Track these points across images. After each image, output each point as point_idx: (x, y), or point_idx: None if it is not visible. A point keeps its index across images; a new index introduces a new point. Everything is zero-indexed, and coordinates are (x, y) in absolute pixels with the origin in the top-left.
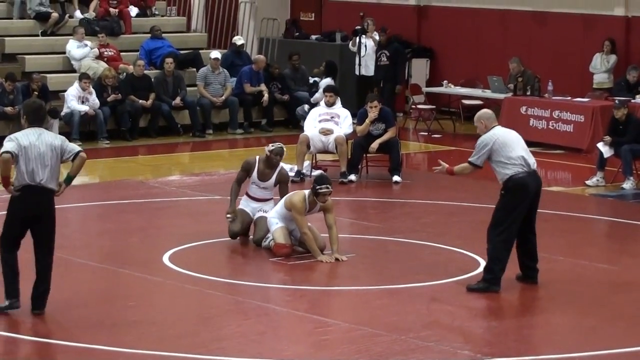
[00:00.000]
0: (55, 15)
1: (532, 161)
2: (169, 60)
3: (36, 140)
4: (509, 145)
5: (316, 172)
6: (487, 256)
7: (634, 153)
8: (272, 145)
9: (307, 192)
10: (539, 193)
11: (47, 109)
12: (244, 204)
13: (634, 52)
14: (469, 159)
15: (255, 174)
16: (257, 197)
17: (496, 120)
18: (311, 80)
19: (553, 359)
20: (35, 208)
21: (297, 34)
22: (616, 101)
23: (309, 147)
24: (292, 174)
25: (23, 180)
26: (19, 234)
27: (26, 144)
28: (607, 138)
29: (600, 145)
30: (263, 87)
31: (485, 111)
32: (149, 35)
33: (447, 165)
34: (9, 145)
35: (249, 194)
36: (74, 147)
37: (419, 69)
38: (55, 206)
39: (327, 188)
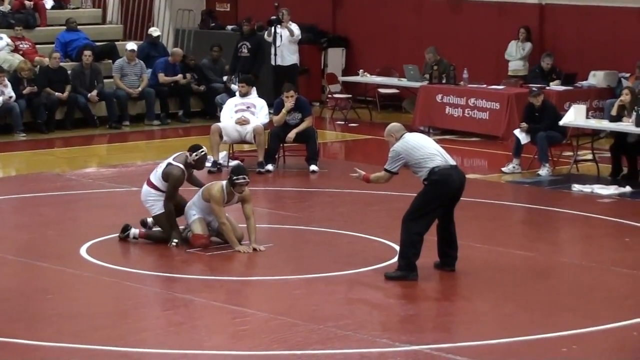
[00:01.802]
0: None
1: (450, 158)
2: (87, 52)
3: None
4: (422, 146)
5: (233, 163)
6: (400, 243)
7: (549, 140)
8: (197, 155)
9: (224, 182)
10: (462, 188)
11: None
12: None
13: (548, 40)
14: (385, 167)
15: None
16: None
17: (404, 129)
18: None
19: (471, 346)
20: None
21: (213, 24)
22: (534, 88)
23: (221, 137)
24: (208, 164)
25: None
26: None
27: None
28: (524, 125)
29: (517, 132)
30: (179, 77)
31: (392, 125)
32: (65, 27)
33: (363, 173)
34: None
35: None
36: None
37: (335, 58)
38: None
39: (244, 179)
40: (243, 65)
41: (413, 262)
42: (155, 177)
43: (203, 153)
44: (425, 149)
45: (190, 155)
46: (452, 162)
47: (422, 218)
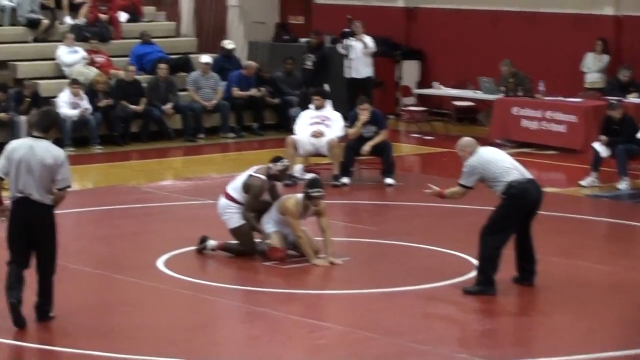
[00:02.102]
0: (45, 21)
1: (526, 171)
2: (162, 65)
3: (30, 153)
4: (497, 160)
5: (308, 176)
6: (478, 257)
7: (628, 153)
8: (281, 165)
9: (300, 195)
10: (540, 202)
11: None
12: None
13: (625, 52)
14: (459, 182)
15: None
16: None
17: (477, 144)
18: None
19: None
20: (27, 221)
21: (287, 37)
22: (612, 101)
23: (296, 149)
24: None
25: (15, 192)
26: (19, 247)
27: (17, 157)
28: (604, 138)
29: (596, 145)
30: (254, 91)
31: (464, 139)
32: (139, 40)
33: (437, 189)
34: (0, 164)
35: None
36: (65, 178)
37: (410, 71)
38: (55, 215)
39: (320, 192)
40: (306, 78)
41: (491, 276)
42: (234, 189)
43: (286, 164)
44: (501, 162)
45: (274, 166)
46: (529, 175)
47: (500, 232)
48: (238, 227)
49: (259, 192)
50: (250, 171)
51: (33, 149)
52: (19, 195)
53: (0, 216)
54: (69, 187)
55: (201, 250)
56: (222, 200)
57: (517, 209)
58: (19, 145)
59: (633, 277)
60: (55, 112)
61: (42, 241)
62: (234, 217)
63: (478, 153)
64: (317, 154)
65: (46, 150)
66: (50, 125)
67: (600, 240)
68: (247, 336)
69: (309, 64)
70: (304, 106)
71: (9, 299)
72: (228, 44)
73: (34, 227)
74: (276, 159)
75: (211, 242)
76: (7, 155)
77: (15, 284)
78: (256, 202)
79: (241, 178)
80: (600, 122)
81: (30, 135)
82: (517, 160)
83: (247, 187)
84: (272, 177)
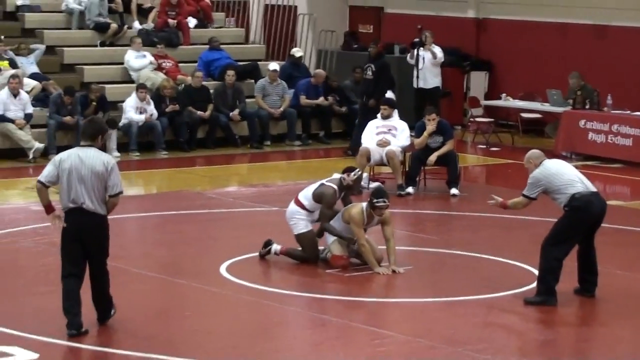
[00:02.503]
0: (114, 26)
1: (590, 184)
2: (231, 72)
3: (79, 162)
4: (562, 172)
5: (374, 185)
6: (539, 268)
7: None
8: (354, 175)
9: (364, 204)
10: (603, 215)
11: (105, 120)
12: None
13: None
14: (523, 192)
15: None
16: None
17: (544, 155)
18: None
19: None
20: (80, 231)
21: (356, 45)
22: None
23: (369, 159)
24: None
25: (66, 203)
26: (74, 260)
27: (67, 166)
28: None
29: None
30: (321, 100)
31: (532, 151)
32: (207, 46)
33: (501, 199)
34: (46, 171)
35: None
36: (116, 184)
37: (478, 82)
38: (108, 224)
39: (384, 202)
40: (366, 88)
41: (552, 287)
42: (305, 196)
43: (360, 173)
44: (565, 175)
45: (348, 176)
46: (593, 188)
47: (562, 244)
48: (303, 234)
49: (331, 201)
50: (323, 180)
51: (82, 157)
52: (72, 205)
53: (56, 222)
54: (121, 193)
55: (265, 255)
56: (292, 206)
57: (579, 221)
58: (68, 155)
59: None
60: (101, 120)
61: (97, 251)
62: (300, 224)
63: (543, 165)
64: (383, 164)
65: (95, 157)
66: (96, 134)
67: None
68: (309, 343)
69: (369, 73)
70: (363, 117)
71: (69, 329)
72: (297, 51)
73: (88, 238)
74: (349, 169)
75: (275, 246)
76: (56, 165)
77: (72, 308)
78: (330, 212)
79: (313, 187)
80: None
81: (78, 145)
82: (583, 173)
83: (318, 196)
84: (345, 187)
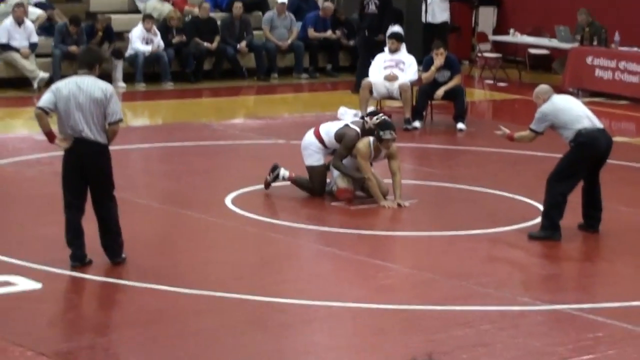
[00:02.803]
0: None
1: (597, 120)
2: (238, 4)
3: (77, 90)
4: (569, 108)
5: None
6: (544, 203)
7: None
8: (377, 119)
9: (371, 138)
10: (609, 151)
11: (111, 50)
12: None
13: None
14: (530, 126)
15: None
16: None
17: (552, 91)
18: None
19: (611, 307)
20: (81, 160)
21: None
22: None
23: (371, 92)
24: (356, 119)
25: (65, 131)
26: (75, 190)
27: (65, 93)
28: None
29: None
30: (329, 33)
31: (540, 86)
32: None
33: (507, 131)
34: (45, 98)
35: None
36: (116, 111)
37: (486, 17)
38: (110, 154)
39: (391, 134)
40: (371, 22)
41: (557, 222)
42: (326, 132)
43: (383, 118)
44: (572, 110)
45: (370, 120)
46: (600, 125)
47: (567, 179)
48: (315, 167)
49: (351, 144)
50: (348, 121)
51: (80, 85)
52: (70, 133)
53: (64, 145)
54: (120, 120)
55: (272, 181)
56: (311, 137)
57: (584, 157)
58: (65, 83)
59: None
60: (97, 48)
61: (99, 180)
62: (314, 156)
63: (551, 100)
64: (390, 97)
65: (93, 85)
66: (93, 62)
67: None
68: (313, 274)
69: (372, 7)
70: (365, 52)
71: (72, 261)
72: None
73: (89, 167)
74: (373, 113)
75: (283, 171)
76: (54, 93)
77: (74, 239)
78: (346, 153)
79: (337, 125)
80: None
81: (75, 73)
82: (589, 110)
83: (340, 137)
84: (367, 131)
